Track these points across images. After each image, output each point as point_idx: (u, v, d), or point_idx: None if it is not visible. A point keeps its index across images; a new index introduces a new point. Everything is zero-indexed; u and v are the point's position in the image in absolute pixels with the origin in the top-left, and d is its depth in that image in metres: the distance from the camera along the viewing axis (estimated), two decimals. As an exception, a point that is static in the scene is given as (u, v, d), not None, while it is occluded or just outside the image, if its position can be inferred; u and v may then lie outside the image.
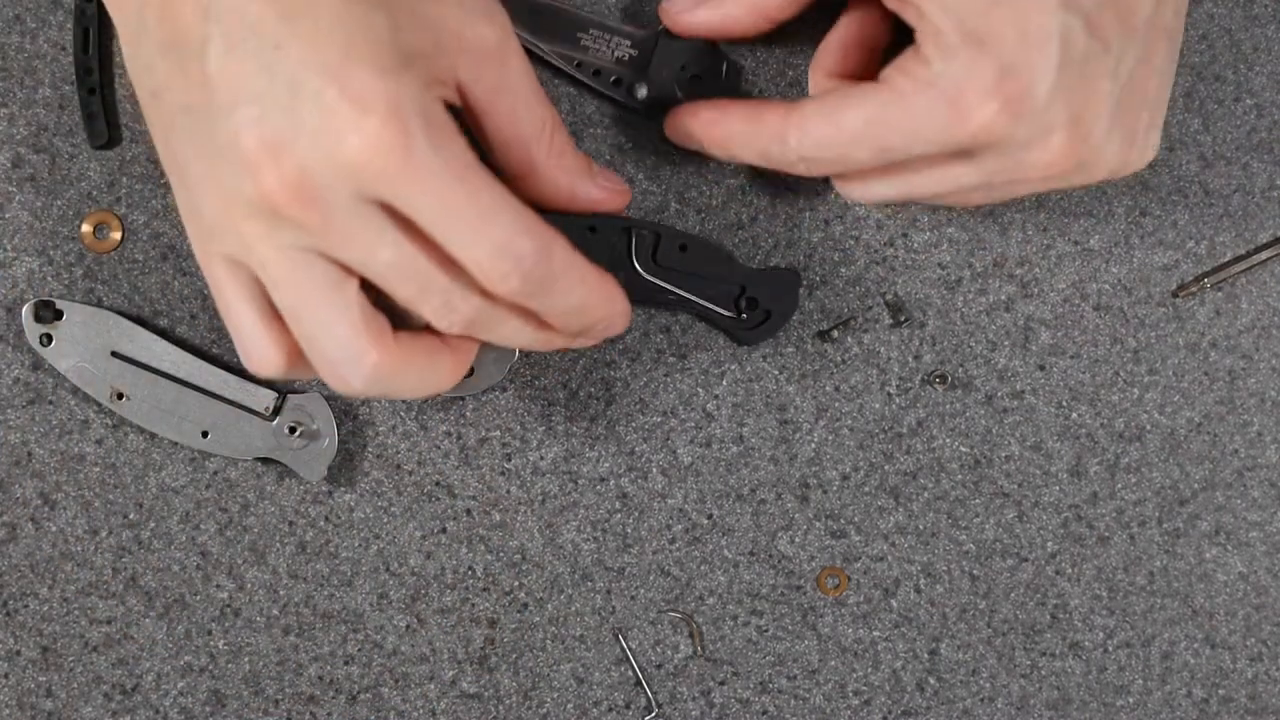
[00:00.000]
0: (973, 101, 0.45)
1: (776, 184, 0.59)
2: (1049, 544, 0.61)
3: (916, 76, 0.46)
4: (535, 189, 0.48)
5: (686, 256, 0.57)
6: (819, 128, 0.49)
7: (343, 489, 0.59)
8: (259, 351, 0.45)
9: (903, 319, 0.59)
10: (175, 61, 0.41)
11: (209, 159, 0.41)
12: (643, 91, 0.57)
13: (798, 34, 0.59)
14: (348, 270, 0.42)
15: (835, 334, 0.59)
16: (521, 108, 0.45)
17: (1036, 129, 0.45)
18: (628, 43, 0.57)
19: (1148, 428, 0.61)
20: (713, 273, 0.57)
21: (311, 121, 0.39)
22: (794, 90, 0.59)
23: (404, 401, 0.58)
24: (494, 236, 0.42)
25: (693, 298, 0.57)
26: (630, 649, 0.60)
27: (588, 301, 0.46)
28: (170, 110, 0.42)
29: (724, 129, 0.52)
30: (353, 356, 0.43)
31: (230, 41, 0.40)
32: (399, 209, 0.41)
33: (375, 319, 0.44)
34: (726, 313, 0.58)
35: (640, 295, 0.57)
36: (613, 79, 0.57)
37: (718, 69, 0.57)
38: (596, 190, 0.49)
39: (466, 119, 0.45)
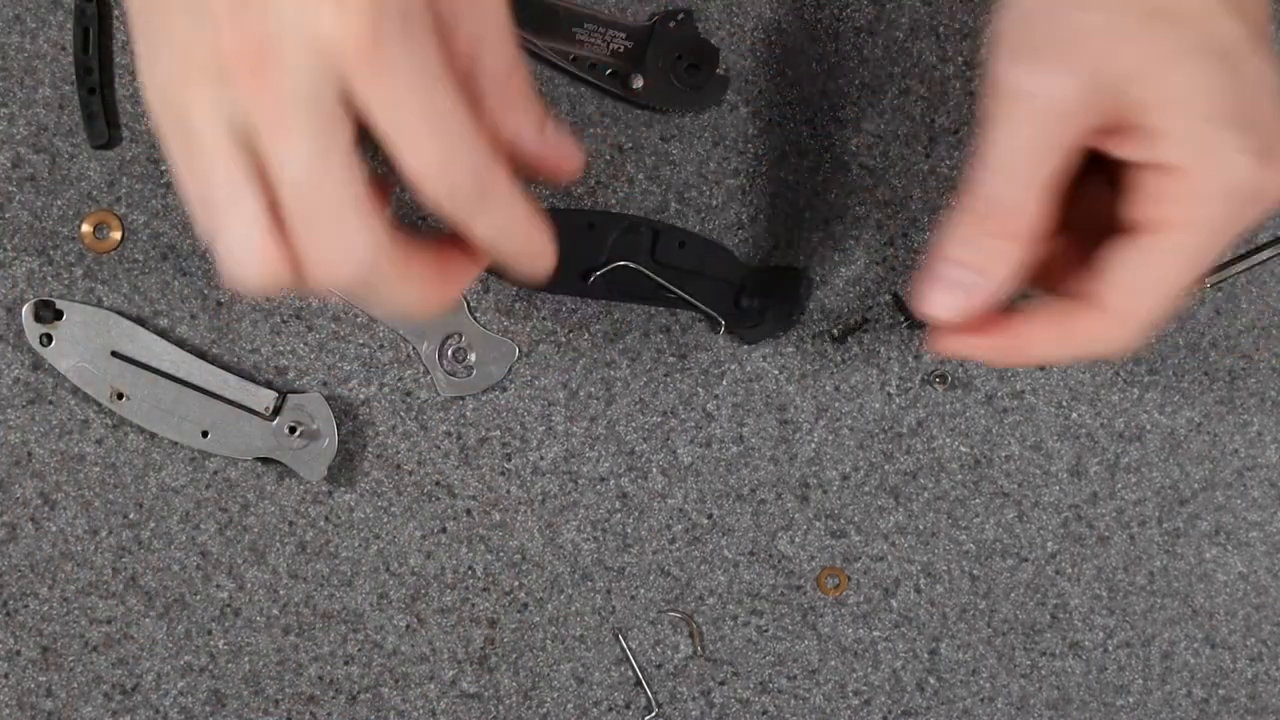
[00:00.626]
0: (1255, 181, 0.42)
1: (777, 184, 0.59)
2: (1049, 544, 0.61)
3: (1188, 195, 0.43)
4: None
5: (686, 253, 0.57)
6: (1138, 307, 0.45)
7: (343, 489, 0.59)
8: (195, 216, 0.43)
9: (903, 319, 0.59)
10: None
11: (174, 17, 0.41)
12: (638, 82, 0.57)
13: (797, 34, 0.59)
14: (262, 169, 0.41)
15: (835, 334, 0.59)
16: (489, 34, 0.44)
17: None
18: (622, 35, 0.57)
19: (1148, 428, 0.61)
20: (712, 270, 0.57)
21: None
22: (793, 90, 0.59)
23: (404, 401, 0.58)
24: (439, 147, 0.41)
25: (690, 296, 0.57)
26: (630, 649, 0.60)
27: (514, 232, 0.44)
28: None
29: (1032, 351, 0.47)
30: (249, 251, 0.42)
31: None
32: (354, 100, 0.40)
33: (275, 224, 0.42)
34: (723, 312, 0.58)
35: (639, 292, 0.57)
36: (608, 71, 0.57)
37: (714, 58, 0.57)
38: (543, 144, 0.46)
39: None
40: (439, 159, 0.42)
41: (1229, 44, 0.42)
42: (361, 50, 0.39)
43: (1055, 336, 0.46)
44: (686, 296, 0.57)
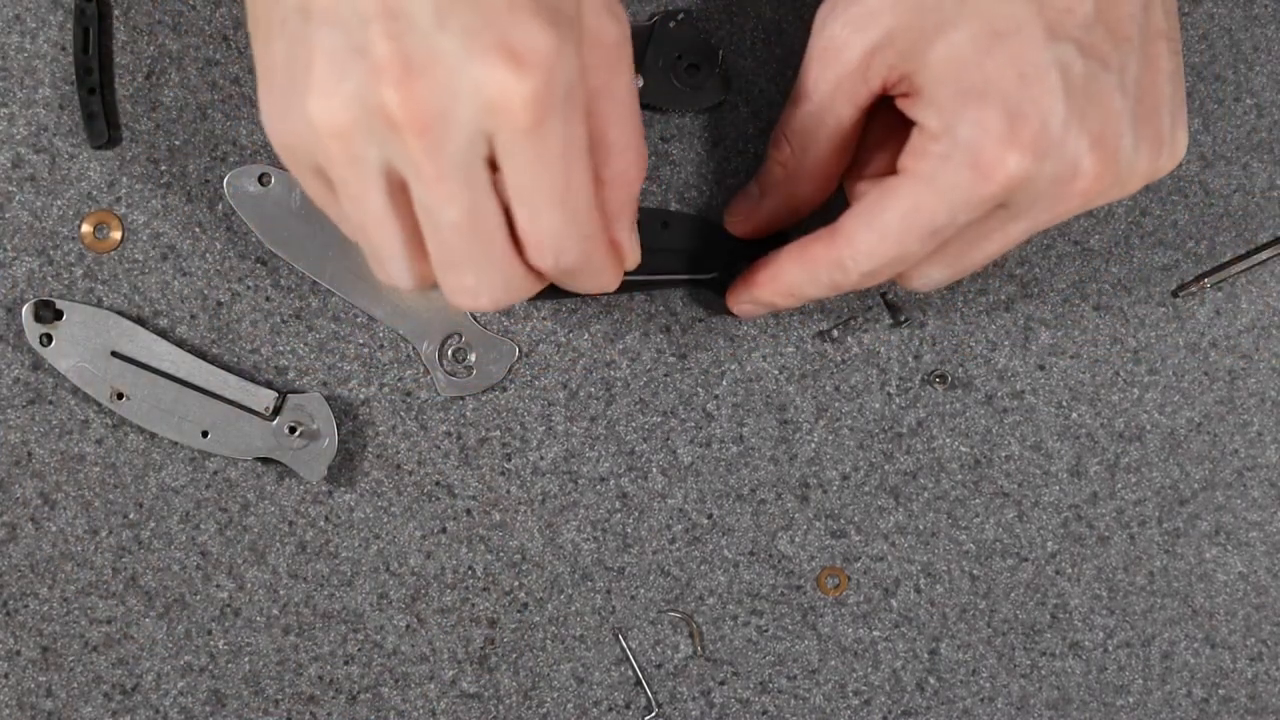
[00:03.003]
0: (992, 156, 0.45)
1: (776, 184, 0.59)
2: (1049, 544, 0.61)
3: (932, 153, 0.46)
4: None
5: (670, 234, 0.57)
6: (865, 240, 0.49)
7: (343, 489, 0.59)
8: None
9: (903, 319, 0.59)
10: None
11: (317, 64, 0.40)
12: (639, 82, 0.57)
13: (797, 34, 0.59)
14: (406, 204, 0.43)
15: (835, 334, 0.59)
16: (618, 121, 0.45)
17: (1063, 161, 0.45)
18: None
19: (1148, 428, 0.61)
20: (698, 244, 0.57)
21: (458, 54, 0.39)
22: (794, 90, 0.59)
23: (404, 401, 0.58)
24: (561, 220, 0.42)
25: (678, 276, 0.57)
26: (630, 649, 0.60)
27: (591, 286, 0.47)
28: (286, 8, 0.41)
29: (785, 280, 0.53)
30: (403, 272, 0.45)
31: None
32: (495, 153, 0.41)
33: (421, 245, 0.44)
34: (710, 275, 0.57)
35: (627, 281, 0.57)
36: (610, 74, 0.57)
37: (714, 57, 0.57)
38: (625, 240, 0.49)
39: None
40: (557, 231, 0.43)
41: (1008, 26, 0.45)
42: (527, 115, 0.40)
43: (800, 264, 0.52)
44: (679, 275, 0.57)
